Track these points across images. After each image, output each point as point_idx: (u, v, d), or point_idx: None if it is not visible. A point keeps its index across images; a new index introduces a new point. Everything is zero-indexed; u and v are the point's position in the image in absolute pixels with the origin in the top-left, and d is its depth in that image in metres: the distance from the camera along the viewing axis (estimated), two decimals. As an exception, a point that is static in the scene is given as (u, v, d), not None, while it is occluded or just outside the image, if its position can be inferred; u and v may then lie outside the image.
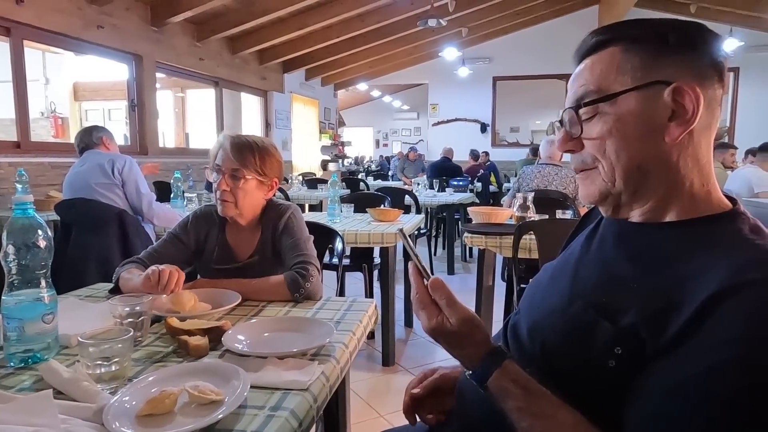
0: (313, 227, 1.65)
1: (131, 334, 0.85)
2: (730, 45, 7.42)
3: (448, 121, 9.93)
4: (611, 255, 0.71)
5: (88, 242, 2.56)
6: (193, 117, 7.86)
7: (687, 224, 0.65)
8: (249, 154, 1.43)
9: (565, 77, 8.78)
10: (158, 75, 5.26)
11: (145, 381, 0.80)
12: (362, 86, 11.18)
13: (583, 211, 2.44)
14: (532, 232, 2.18)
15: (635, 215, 0.70)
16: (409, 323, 3.26)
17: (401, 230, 0.81)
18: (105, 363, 0.82)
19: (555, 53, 7.94)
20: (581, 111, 0.68)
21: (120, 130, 5.28)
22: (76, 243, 2.59)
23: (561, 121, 0.72)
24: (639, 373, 0.58)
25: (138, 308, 1.03)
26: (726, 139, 7.95)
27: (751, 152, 4.49)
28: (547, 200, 2.95)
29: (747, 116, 8.30)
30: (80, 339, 0.82)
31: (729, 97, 8.55)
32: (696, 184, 0.65)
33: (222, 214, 1.45)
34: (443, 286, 0.72)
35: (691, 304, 0.55)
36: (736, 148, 5.01)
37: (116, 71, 5.25)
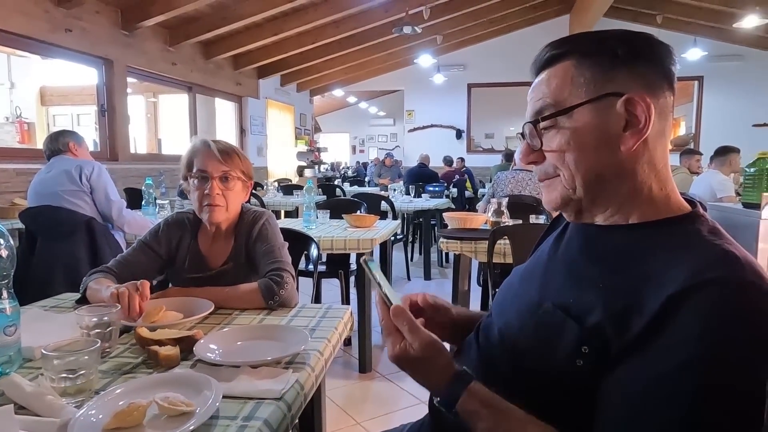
0: (289, 234, 1.64)
1: (98, 345, 0.83)
2: (694, 54, 7.69)
3: (423, 128, 9.99)
4: (578, 257, 0.73)
5: (55, 251, 2.48)
6: (166, 122, 7.73)
7: (649, 226, 0.67)
8: (235, 156, 1.44)
9: (538, 84, 8.95)
10: (129, 80, 5.16)
11: (113, 393, 0.78)
12: (338, 92, 11.18)
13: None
14: (506, 237, 2.21)
15: (599, 219, 0.72)
16: (385, 329, 3.25)
17: (364, 260, 0.81)
18: (70, 376, 0.79)
19: (528, 61, 8.02)
20: (540, 125, 0.71)
21: (89, 136, 5.15)
22: (42, 252, 2.50)
23: (522, 134, 0.74)
24: (606, 374, 0.60)
25: (106, 318, 1.00)
26: (692, 146, 8.21)
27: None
28: (521, 205, 2.99)
29: (711, 123, 8.59)
30: (44, 351, 0.79)
31: (694, 105, 8.84)
32: (654, 189, 0.68)
33: (212, 221, 1.43)
34: (403, 312, 0.72)
35: (653, 305, 0.57)
36: (701, 153, 5.18)
37: (85, 75, 5.13)
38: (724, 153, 4.28)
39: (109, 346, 1.00)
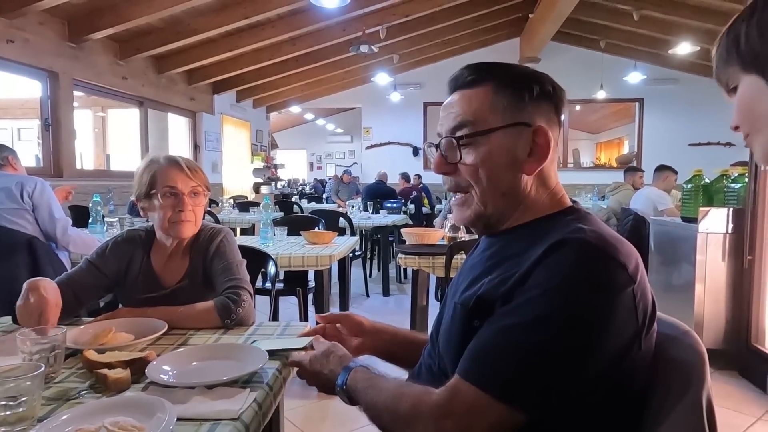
0: (246, 251, 1.61)
1: (42, 370, 0.78)
2: (634, 78, 8.15)
3: (381, 145, 10.07)
4: (478, 260, 0.84)
5: (-8, 272, 2.33)
6: (115, 138, 7.47)
7: (532, 223, 0.79)
8: (200, 171, 1.46)
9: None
10: (76, 93, 4.96)
11: (58, 420, 0.74)
12: (295, 109, 11.14)
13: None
14: (462, 252, 2.25)
15: (496, 228, 0.83)
16: (344, 346, 3.23)
17: (253, 342, 1.02)
18: (11, 403, 0.74)
19: (481, 81, 8.31)
20: (458, 141, 0.78)
21: (31, 151, 4.91)
22: (-23, 273, 2.35)
23: (437, 146, 0.82)
24: None
25: (49, 342, 0.95)
26: (634, 163, 8.66)
27: None
28: (476, 221, 3.06)
29: (652, 142, 9.08)
30: None
31: (636, 125, 9.34)
32: (545, 203, 0.80)
33: (183, 236, 1.40)
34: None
35: (522, 270, 0.70)
36: (643, 171, 5.46)
37: (28, 88, 4.90)
38: (660, 170, 4.54)
39: (53, 371, 0.95)
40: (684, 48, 6.85)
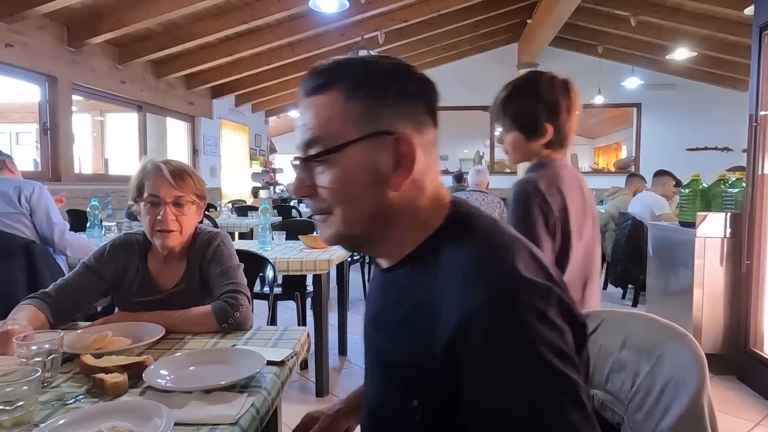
0: (244, 255, 1.61)
1: (38, 374, 0.78)
2: (632, 83, 8.18)
3: (379, 149, 10.08)
4: (380, 309, 0.74)
5: (-11, 276, 2.32)
6: (114, 142, 7.46)
7: (416, 255, 0.68)
8: (188, 178, 1.39)
9: (488, 108, 9.25)
10: (75, 97, 4.96)
11: (56, 424, 0.73)
12: (294, 113, 11.15)
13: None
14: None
15: (383, 262, 0.73)
16: (343, 351, 3.22)
17: None
18: (7, 408, 0.74)
19: (479, 86, 8.36)
20: (311, 161, 0.67)
21: (30, 155, 4.91)
22: (-26, 278, 2.34)
23: (294, 164, 0.70)
24: (445, 422, 0.60)
25: (47, 346, 0.95)
26: (632, 168, 8.68)
27: None
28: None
29: (649, 147, 9.10)
30: None
31: (633, 130, 9.37)
32: (424, 216, 0.68)
33: (166, 247, 1.37)
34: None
35: (438, 352, 0.58)
36: (645, 181, 5.45)
37: (26, 92, 4.90)
38: (659, 175, 4.55)
39: (50, 376, 0.95)
40: (681, 53, 6.88)
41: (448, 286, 0.60)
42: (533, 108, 1.36)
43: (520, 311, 0.56)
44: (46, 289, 1.32)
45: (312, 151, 0.66)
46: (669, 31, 7.04)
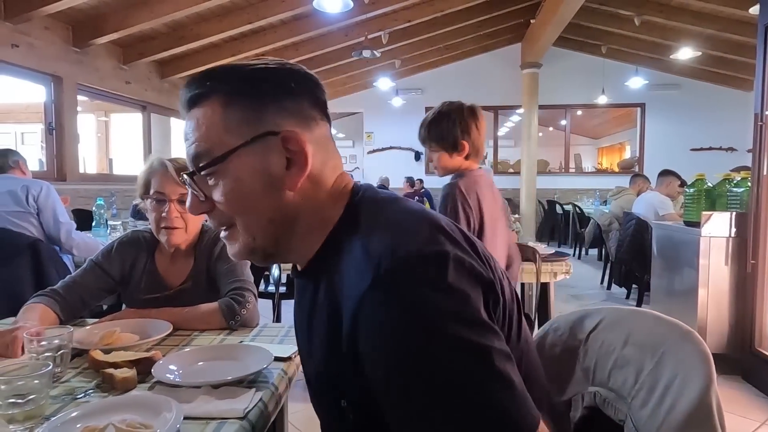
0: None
1: (50, 368, 0.79)
2: (636, 83, 8.17)
3: (383, 149, 10.09)
4: (299, 313, 0.73)
5: (-4, 275, 2.34)
6: (118, 142, 7.50)
7: (322, 251, 0.66)
8: None
9: (492, 108, 9.25)
10: (80, 98, 4.99)
11: (67, 417, 0.74)
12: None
13: (514, 236, 2.56)
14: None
15: (299, 263, 0.71)
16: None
17: None
18: (19, 401, 0.75)
19: (482, 86, 8.38)
20: (199, 174, 0.64)
21: (35, 155, 4.94)
22: (-20, 276, 2.36)
23: (184, 181, 0.67)
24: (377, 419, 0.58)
25: (57, 342, 0.96)
26: (636, 168, 8.66)
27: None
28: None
29: (653, 147, 9.09)
30: None
31: (637, 130, 9.35)
32: (327, 210, 0.66)
33: (170, 243, 1.38)
34: None
35: (343, 345, 0.57)
36: (649, 181, 5.44)
37: (32, 92, 4.93)
38: (664, 175, 4.54)
39: (59, 371, 0.96)
40: (685, 53, 6.87)
41: (345, 280, 0.58)
42: (452, 130, 1.73)
43: (408, 284, 0.53)
44: (54, 287, 1.33)
45: (200, 165, 0.63)
46: (673, 31, 7.03)
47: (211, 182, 0.64)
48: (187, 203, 0.67)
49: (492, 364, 0.51)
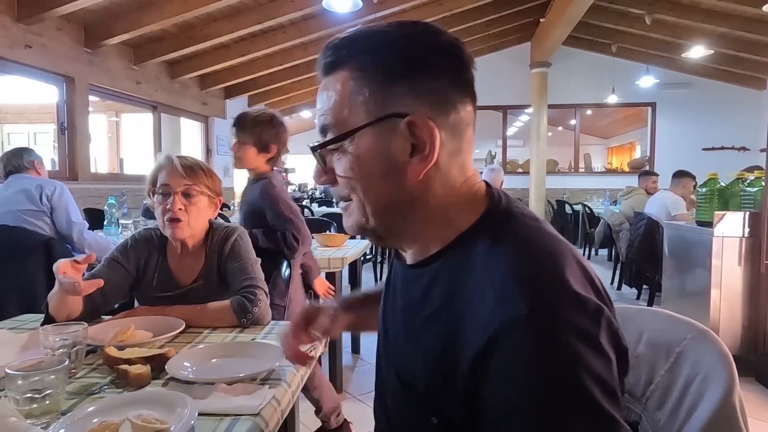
0: (260, 252, 1.62)
1: (66, 364, 0.80)
2: (647, 82, 8.10)
3: (391, 149, 10.09)
4: (402, 307, 0.67)
5: (9, 273, 2.37)
6: (128, 141, 7.56)
7: (445, 253, 0.61)
8: (200, 171, 1.41)
9: (501, 108, 9.21)
10: (91, 98, 5.03)
11: (83, 412, 0.75)
12: (306, 114, 11.19)
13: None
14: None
15: (408, 256, 0.67)
16: (356, 350, 3.23)
17: None
18: (36, 396, 0.76)
19: (491, 86, 8.34)
20: (326, 148, 0.62)
21: (47, 155, 4.97)
22: (-5, 274, 2.39)
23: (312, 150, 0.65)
24: None
25: (72, 338, 0.97)
26: (647, 167, 8.59)
27: None
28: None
29: (664, 146, 9.01)
30: (8, 370, 0.76)
31: (648, 129, 9.27)
32: (453, 210, 0.61)
33: (175, 237, 1.39)
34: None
35: (464, 362, 0.52)
36: (657, 174, 5.42)
37: (44, 93, 4.98)
38: (679, 176, 4.50)
39: (74, 367, 0.97)
40: (697, 52, 6.80)
41: (482, 293, 0.53)
42: (269, 133, 1.98)
43: (567, 331, 0.48)
44: (76, 282, 1.34)
45: (324, 138, 0.62)
46: (685, 29, 6.96)
47: (334, 157, 0.62)
48: (314, 172, 0.66)
49: None
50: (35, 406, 0.75)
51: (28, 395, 0.75)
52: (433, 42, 0.59)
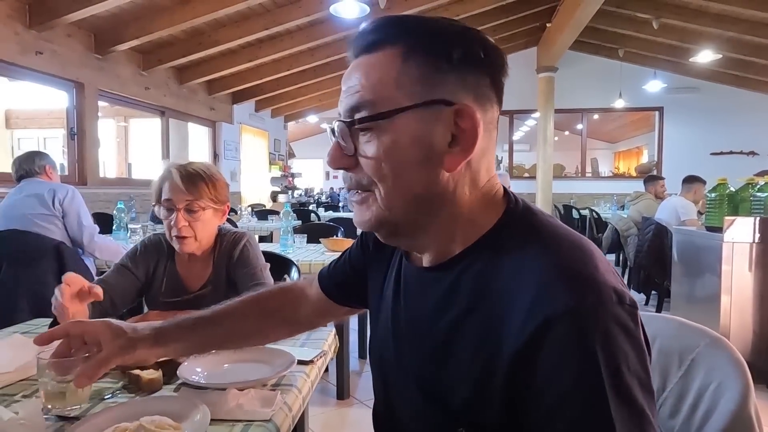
0: (268, 257, 1.62)
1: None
2: (654, 86, 8.08)
3: (397, 154, 10.10)
4: (421, 312, 0.63)
5: (20, 276, 2.38)
6: (137, 146, 7.61)
7: (469, 253, 0.59)
8: (202, 184, 1.36)
9: (507, 112, 9.21)
10: (101, 103, 5.08)
11: (98, 417, 0.75)
12: (312, 118, 11.24)
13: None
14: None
15: (423, 258, 0.65)
16: (363, 355, 3.22)
17: None
18: (65, 384, 0.79)
19: (498, 90, 8.30)
20: (357, 126, 0.58)
21: (57, 159, 5.01)
22: (6, 277, 2.40)
23: (333, 131, 0.61)
24: None
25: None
26: (655, 172, 8.55)
27: None
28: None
29: (672, 151, 8.97)
30: (39, 358, 0.78)
31: (656, 134, 9.24)
32: (476, 210, 0.60)
33: (182, 251, 1.39)
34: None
35: (503, 361, 0.52)
36: (663, 178, 5.39)
37: (54, 98, 5.03)
38: (690, 181, 4.47)
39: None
40: (705, 56, 6.78)
41: (517, 290, 0.52)
42: None
43: (611, 323, 0.49)
44: (86, 288, 1.34)
45: (358, 116, 0.58)
46: (693, 34, 6.94)
47: (364, 138, 0.58)
48: (330, 154, 0.61)
49: None
50: (65, 393, 0.79)
51: (59, 383, 0.78)
52: (483, 40, 0.59)
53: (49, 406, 0.80)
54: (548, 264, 0.53)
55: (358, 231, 0.75)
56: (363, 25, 0.60)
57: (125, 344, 0.76)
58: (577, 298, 0.49)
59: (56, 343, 0.77)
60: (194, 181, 1.35)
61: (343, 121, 0.59)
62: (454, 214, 0.59)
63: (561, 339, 0.49)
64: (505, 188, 0.64)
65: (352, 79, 0.59)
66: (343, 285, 0.86)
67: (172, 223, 1.34)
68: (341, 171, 0.62)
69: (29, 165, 2.68)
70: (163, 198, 1.36)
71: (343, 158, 0.60)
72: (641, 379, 0.50)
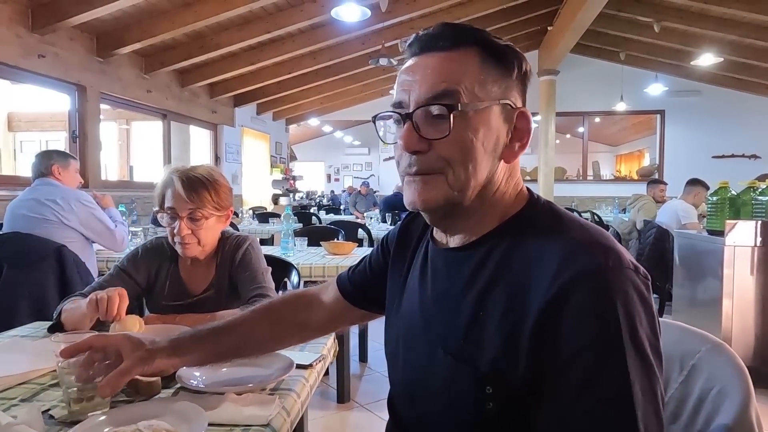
0: (269, 260, 1.62)
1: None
2: (655, 89, 8.07)
3: (398, 157, 10.11)
4: (449, 288, 0.69)
5: (21, 279, 2.38)
6: (138, 149, 7.63)
7: (497, 233, 0.67)
8: (204, 192, 1.34)
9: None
10: (102, 106, 5.10)
11: (94, 422, 0.75)
12: (314, 121, 11.26)
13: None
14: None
15: (451, 240, 0.71)
16: (363, 358, 3.22)
17: None
18: (86, 388, 0.80)
19: (499, 93, 8.30)
20: (453, 113, 0.63)
21: (59, 162, 5.02)
22: (6, 280, 2.40)
23: (405, 116, 0.66)
24: (519, 408, 0.59)
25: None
26: (656, 175, 8.53)
27: None
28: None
29: (674, 154, 8.95)
30: (60, 365, 0.80)
31: (657, 137, 9.23)
32: (507, 199, 0.69)
33: (186, 256, 1.39)
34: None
35: (530, 322, 0.57)
36: (665, 183, 5.39)
37: (56, 101, 5.04)
38: (692, 184, 4.46)
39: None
40: (707, 59, 6.77)
41: (542, 258, 0.59)
42: None
43: (629, 286, 0.56)
44: (83, 290, 1.34)
45: (449, 102, 0.62)
46: (694, 37, 6.93)
47: (443, 125, 0.63)
48: (404, 137, 0.65)
49: (657, 397, 0.55)
50: (91, 394, 0.81)
51: (79, 388, 0.80)
52: (525, 59, 0.69)
53: (78, 408, 0.82)
54: (571, 238, 0.61)
55: (374, 236, 0.80)
56: (428, 28, 0.67)
57: (144, 356, 0.80)
58: (599, 260, 0.57)
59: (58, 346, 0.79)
60: (197, 189, 1.34)
61: (438, 104, 0.63)
62: (495, 200, 0.68)
63: (584, 294, 0.55)
64: (527, 186, 0.73)
65: (431, 68, 0.65)
66: (361, 286, 0.92)
67: (176, 230, 1.34)
68: (399, 154, 0.67)
69: (38, 165, 2.65)
70: (166, 206, 1.36)
71: (421, 141, 0.65)
72: (651, 340, 0.56)
